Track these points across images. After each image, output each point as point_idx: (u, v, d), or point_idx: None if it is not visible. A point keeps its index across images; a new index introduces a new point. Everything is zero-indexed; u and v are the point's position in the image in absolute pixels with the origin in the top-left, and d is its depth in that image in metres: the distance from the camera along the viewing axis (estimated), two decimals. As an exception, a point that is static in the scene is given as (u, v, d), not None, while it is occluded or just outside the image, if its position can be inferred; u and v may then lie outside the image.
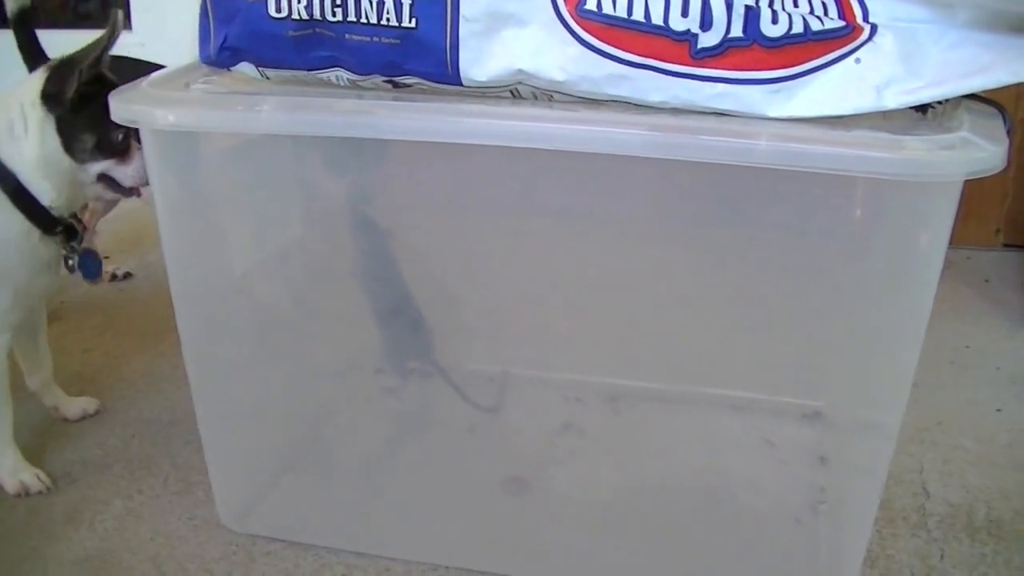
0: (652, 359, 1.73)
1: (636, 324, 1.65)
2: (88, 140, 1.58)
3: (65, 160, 1.58)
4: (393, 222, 1.65)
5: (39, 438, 1.80)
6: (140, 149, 1.56)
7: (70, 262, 1.66)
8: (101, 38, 1.57)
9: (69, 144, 1.58)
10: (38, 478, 1.69)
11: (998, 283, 2.51)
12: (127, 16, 3.26)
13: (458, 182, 1.51)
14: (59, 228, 1.62)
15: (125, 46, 2.41)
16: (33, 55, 2.15)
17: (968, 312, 2.35)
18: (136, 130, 1.48)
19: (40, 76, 1.59)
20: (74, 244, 1.66)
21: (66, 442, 1.83)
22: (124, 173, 1.62)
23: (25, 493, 1.68)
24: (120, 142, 1.57)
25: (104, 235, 2.57)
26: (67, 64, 1.56)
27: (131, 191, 1.65)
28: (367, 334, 1.78)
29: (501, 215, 1.60)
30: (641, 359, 1.74)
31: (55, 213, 1.60)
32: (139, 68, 1.88)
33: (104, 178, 1.63)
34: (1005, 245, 2.73)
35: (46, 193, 1.58)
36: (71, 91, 1.54)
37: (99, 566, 1.53)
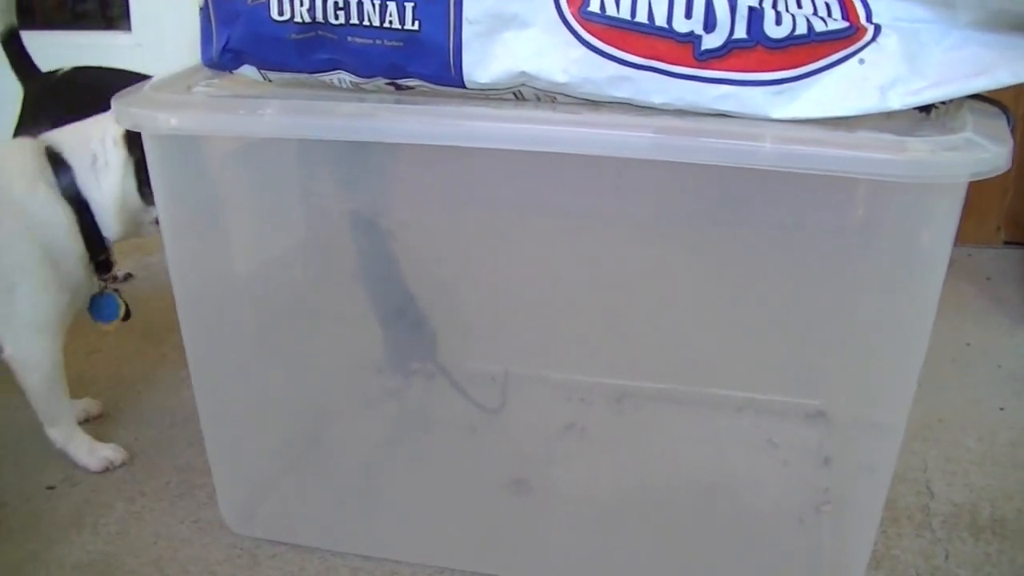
0: (655, 359, 1.73)
1: (639, 324, 1.65)
2: None
3: (136, 200, 1.67)
4: (395, 222, 1.64)
5: (42, 441, 1.79)
6: None
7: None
8: None
9: (142, 186, 1.66)
10: (115, 451, 1.78)
11: (999, 280, 2.52)
12: (126, 16, 3.25)
13: (461, 182, 1.50)
14: (101, 257, 1.70)
15: (122, 47, 2.41)
16: (24, 70, 2.15)
17: (969, 310, 2.35)
18: None
19: None
20: (105, 277, 1.73)
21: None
22: None
23: (111, 466, 1.76)
24: None
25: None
26: None
27: None
28: (370, 335, 1.78)
29: (504, 215, 1.60)
30: (644, 359, 1.74)
31: (108, 244, 1.70)
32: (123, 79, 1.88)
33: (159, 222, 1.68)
34: (1006, 243, 2.73)
35: (111, 228, 1.67)
36: None
37: (102, 569, 1.53)
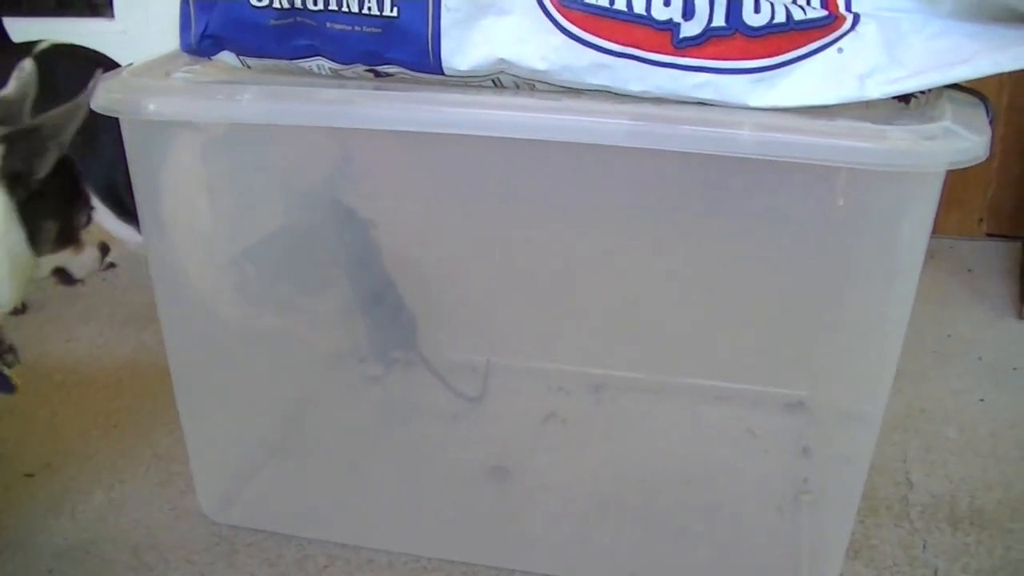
0: (635, 349, 1.73)
1: (619, 314, 1.65)
2: (52, 228, 1.33)
3: (28, 254, 1.30)
4: (375, 212, 1.64)
5: (22, 427, 1.79)
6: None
7: None
8: (73, 108, 1.27)
9: (33, 234, 1.30)
10: None
11: (981, 272, 2.51)
12: (109, 2, 3.23)
13: (440, 171, 1.50)
14: None
15: (106, 34, 2.39)
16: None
17: (951, 301, 2.35)
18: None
19: None
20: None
21: (47, 432, 1.82)
22: (80, 263, 1.41)
23: None
24: (85, 224, 1.37)
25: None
26: (33, 136, 1.27)
27: (75, 282, 1.44)
28: (350, 323, 1.78)
29: (484, 204, 1.60)
30: (624, 349, 1.74)
31: None
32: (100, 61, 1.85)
33: (58, 272, 1.40)
34: (988, 234, 2.73)
35: (5, 295, 1.29)
36: (44, 171, 1.28)
37: (80, 557, 1.52)
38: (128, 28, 3.04)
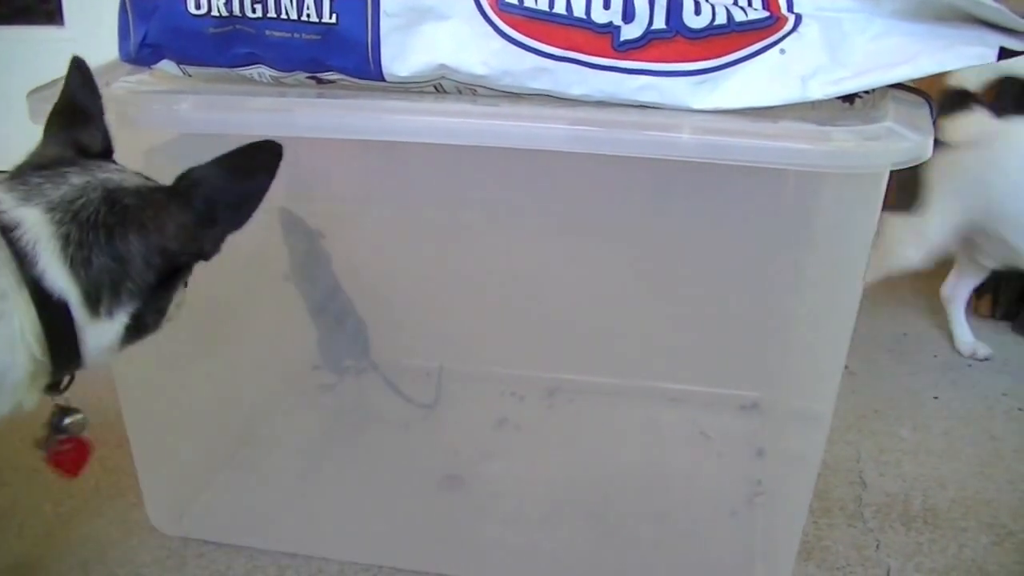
0: (588, 353, 1.73)
1: (572, 318, 1.65)
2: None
3: None
4: (324, 221, 1.63)
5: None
6: None
7: None
8: None
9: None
10: None
11: (937, 270, 2.51)
12: (59, 9, 3.19)
13: (387, 177, 1.49)
14: None
15: (55, 41, 2.36)
16: None
17: (907, 300, 2.35)
18: None
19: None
20: None
21: (-5, 446, 1.80)
22: None
23: None
24: None
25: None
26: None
27: None
28: (302, 332, 1.76)
29: (432, 210, 1.59)
30: (577, 353, 1.74)
31: None
32: None
33: None
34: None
35: None
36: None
37: (27, 573, 1.51)
38: (78, 35, 3.01)
